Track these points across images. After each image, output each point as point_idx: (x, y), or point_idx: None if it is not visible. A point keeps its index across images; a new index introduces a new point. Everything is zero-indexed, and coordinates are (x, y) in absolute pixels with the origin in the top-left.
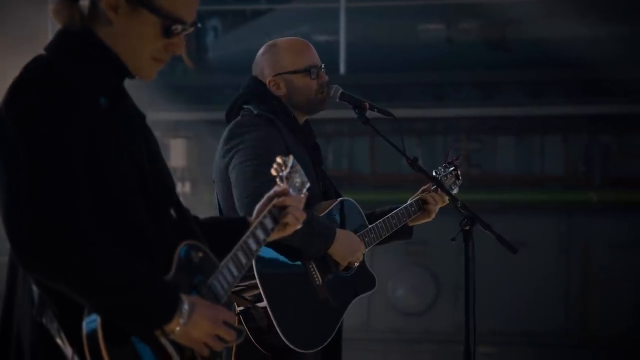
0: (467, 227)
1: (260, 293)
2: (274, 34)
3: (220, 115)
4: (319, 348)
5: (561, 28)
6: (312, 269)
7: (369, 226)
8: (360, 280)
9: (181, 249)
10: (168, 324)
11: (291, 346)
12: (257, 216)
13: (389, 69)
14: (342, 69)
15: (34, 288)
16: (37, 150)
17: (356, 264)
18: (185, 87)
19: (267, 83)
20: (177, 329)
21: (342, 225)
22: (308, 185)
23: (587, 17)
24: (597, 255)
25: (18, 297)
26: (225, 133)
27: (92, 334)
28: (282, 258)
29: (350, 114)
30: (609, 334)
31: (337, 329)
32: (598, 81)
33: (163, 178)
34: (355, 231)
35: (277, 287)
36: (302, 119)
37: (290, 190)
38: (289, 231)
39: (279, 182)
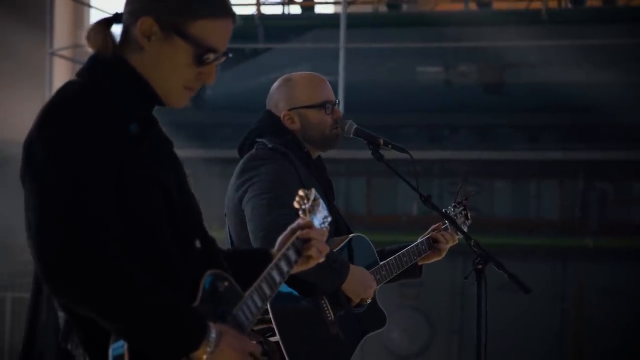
0: (480, 266)
1: (273, 327)
2: (273, 73)
3: (217, 153)
4: None
5: (559, 73)
6: (324, 305)
7: (381, 263)
8: (371, 317)
9: (206, 278)
10: (195, 352)
11: None
12: (280, 248)
13: (387, 110)
14: (340, 109)
15: (60, 314)
16: (67, 176)
17: (368, 301)
18: (182, 124)
19: (281, 117)
20: (204, 357)
21: (354, 262)
22: (330, 219)
23: (585, 63)
24: (591, 301)
25: (41, 323)
26: (238, 166)
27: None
28: (295, 293)
29: (348, 154)
30: None
31: None
32: (595, 127)
33: (190, 207)
34: (367, 268)
35: (289, 322)
36: (315, 154)
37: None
38: (311, 264)
39: (301, 215)
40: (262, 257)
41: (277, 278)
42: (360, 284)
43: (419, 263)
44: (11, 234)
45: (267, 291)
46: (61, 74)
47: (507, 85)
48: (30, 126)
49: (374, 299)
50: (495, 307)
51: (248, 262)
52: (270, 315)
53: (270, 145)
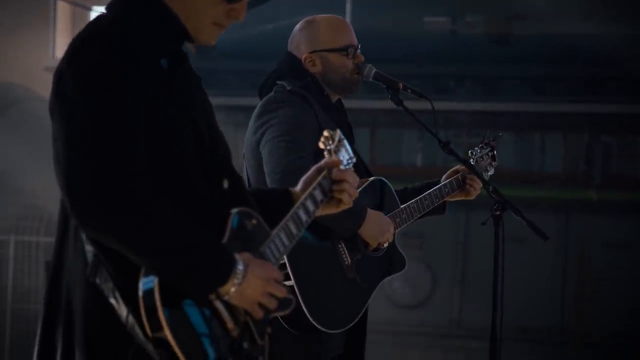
0: (498, 212)
1: (288, 272)
2: (277, 21)
3: (220, 100)
4: (345, 328)
5: (567, 25)
6: (341, 249)
7: (402, 206)
8: (390, 261)
9: (234, 216)
10: (223, 286)
11: (317, 326)
12: (304, 187)
13: (392, 59)
14: None
15: (88, 248)
16: (98, 109)
17: (385, 245)
18: None
19: (302, 59)
20: (232, 289)
21: (374, 205)
22: (354, 160)
23: (593, 15)
24: (594, 254)
25: (68, 258)
26: (257, 108)
27: (149, 294)
28: (311, 237)
29: (352, 104)
30: (604, 332)
31: (364, 310)
32: (602, 79)
33: (219, 144)
34: (387, 211)
35: (305, 266)
36: (334, 98)
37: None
38: (340, 209)
39: (327, 155)
40: (283, 196)
41: (304, 217)
42: (378, 228)
43: (447, 200)
44: (16, 176)
45: (294, 230)
46: (65, 18)
47: (514, 36)
48: (34, 70)
49: (393, 242)
50: None
51: (269, 201)
52: (285, 260)
53: (289, 88)
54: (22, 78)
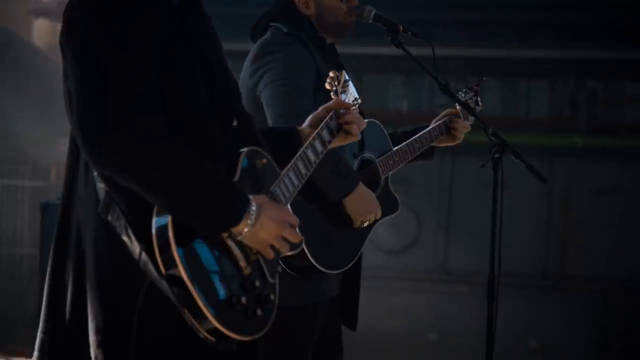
0: (497, 155)
1: None
2: None
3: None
4: (345, 268)
5: None
6: None
7: (394, 149)
8: (384, 203)
9: (244, 155)
10: (236, 226)
11: (318, 266)
12: (312, 124)
13: (378, 4)
14: None
15: (99, 185)
16: (110, 45)
17: (365, 224)
18: None
19: (296, 1)
20: (245, 229)
21: (367, 147)
22: (360, 101)
23: None
24: (578, 200)
25: (79, 196)
26: (253, 51)
27: (162, 231)
28: None
29: (338, 49)
30: (586, 277)
31: (360, 251)
32: (587, 26)
33: (229, 84)
34: (380, 153)
35: (304, 207)
36: (327, 42)
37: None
38: (348, 141)
39: (333, 96)
40: (291, 135)
41: (312, 157)
42: (366, 205)
43: (434, 145)
44: (3, 118)
45: (303, 170)
46: None
47: None
48: (17, 13)
49: (387, 184)
50: (481, 204)
51: (278, 140)
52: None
53: (285, 30)
54: (5, 21)
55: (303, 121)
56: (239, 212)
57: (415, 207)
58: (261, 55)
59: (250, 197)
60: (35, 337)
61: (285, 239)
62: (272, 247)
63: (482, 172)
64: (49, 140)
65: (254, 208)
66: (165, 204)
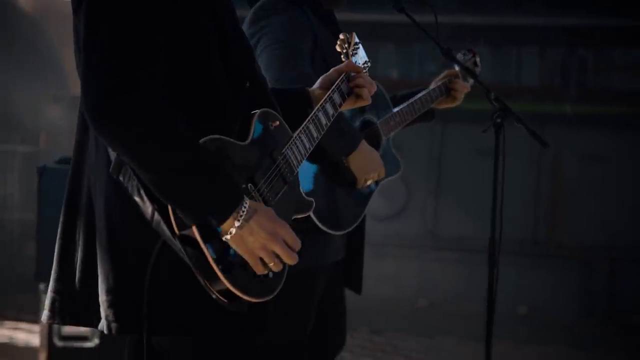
0: (499, 120)
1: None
2: None
3: None
4: (349, 230)
5: None
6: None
7: (394, 110)
8: (386, 163)
9: (257, 117)
10: (223, 221)
11: (324, 228)
12: (323, 85)
13: None
14: None
15: None
16: (117, 10)
17: (368, 183)
18: None
19: None
20: (232, 230)
21: (367, 108)
22: (370, 64)
23: None
24: (568, 167)
25: (89, 156)
26: (249, 15)
27: None
28: None
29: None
30: (576, 244)
31: (364, 213)
32: None
33: (242, 45)
34: (381, 115)
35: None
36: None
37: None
38: (358, 104)
39: (344, 59)
40: (301, 97)
41: (324, 120)
42: (370, 163)
43: (434, 107)
44: None
45: (315, 132)
46: None
47: None
48: None
49: (389, 145)
50: (472, 171)
51: (287, 101)
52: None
53: None
54: None
55: (300, 84)
56: (228, 207)
57: (405, 173)
58: (257, 19)
59: (246, 197)
60: (27, 302)
61: (276, 255)
62: (262, 260)
63: (472, 139)
64: (39, 106)
65: (245, 208)
66: (151, 181)
